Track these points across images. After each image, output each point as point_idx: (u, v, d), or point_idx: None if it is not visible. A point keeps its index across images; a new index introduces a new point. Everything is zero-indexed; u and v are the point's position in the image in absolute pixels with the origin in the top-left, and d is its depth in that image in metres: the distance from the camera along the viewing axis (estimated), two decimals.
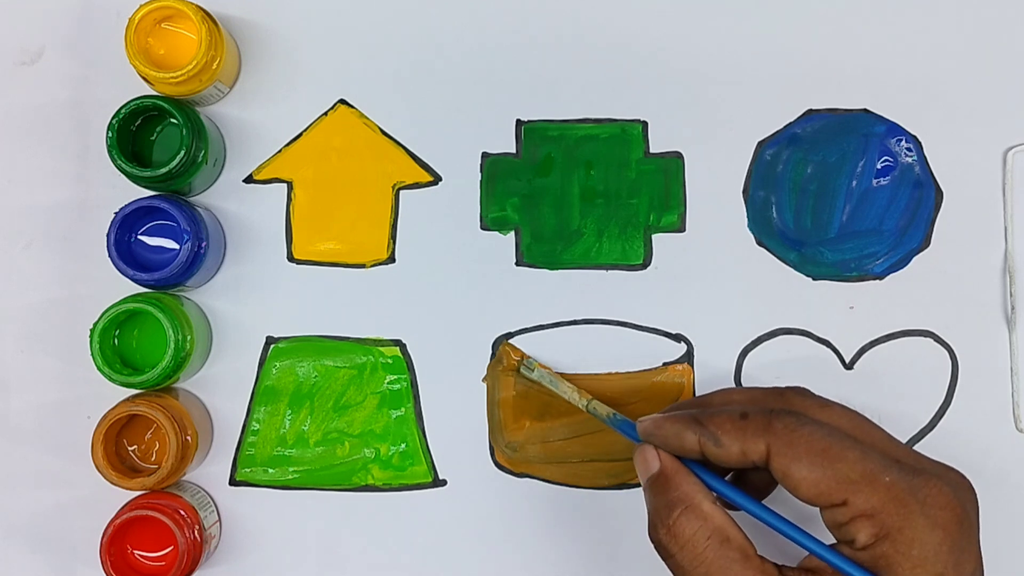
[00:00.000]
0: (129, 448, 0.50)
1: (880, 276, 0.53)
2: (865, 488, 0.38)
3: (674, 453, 0.43)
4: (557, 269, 0.53)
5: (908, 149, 0.53)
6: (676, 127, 0.53)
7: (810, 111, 0.54)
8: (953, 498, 0.39)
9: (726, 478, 0.44)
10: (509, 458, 0.53)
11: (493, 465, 0.53)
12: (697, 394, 0.52)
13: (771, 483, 0.46)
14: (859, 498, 0.38)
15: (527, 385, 0.53)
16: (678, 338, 0.53)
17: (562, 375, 0.52)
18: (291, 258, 0.53)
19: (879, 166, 0.53)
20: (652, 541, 0.42)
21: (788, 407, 0.42)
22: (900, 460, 0.40)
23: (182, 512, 0.48)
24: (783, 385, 0.45)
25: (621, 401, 0.52)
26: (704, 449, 0.41)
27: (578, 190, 0.53)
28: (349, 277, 0.53)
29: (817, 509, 0.40)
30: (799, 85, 0.53)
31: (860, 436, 0.40)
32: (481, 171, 0.53)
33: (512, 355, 0.52)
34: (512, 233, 0.53)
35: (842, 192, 0.53)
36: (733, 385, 0.53)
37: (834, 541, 0.40)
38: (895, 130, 0.53)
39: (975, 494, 0.41)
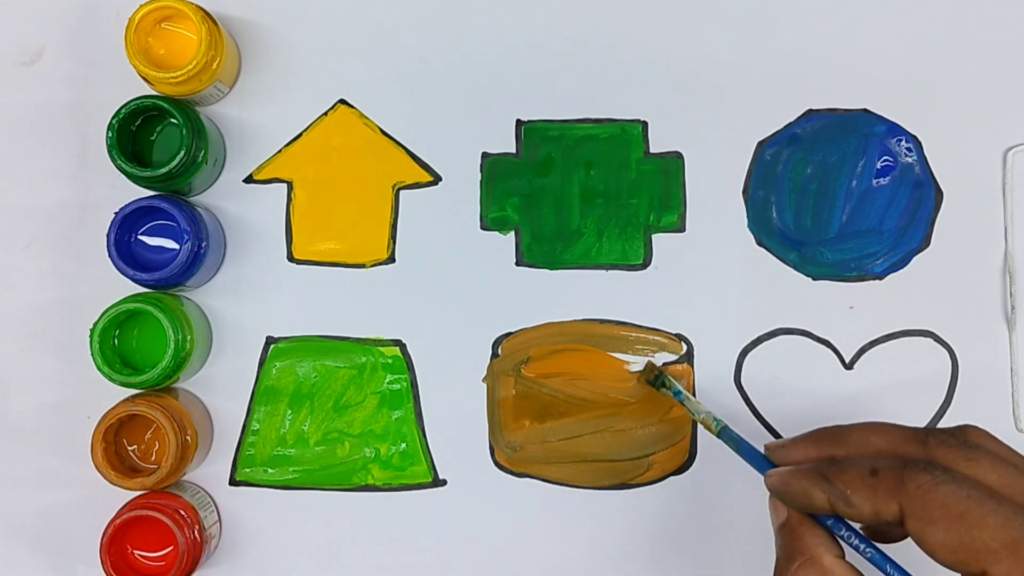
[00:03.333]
0: (129, 448, 0.50)
1: (880, 276, 0.53)
2: (1007, 559, 0.34)
3: (805, 511, 0.40)
4: (557, 269, 0.53)
5: (908, 149, 0.53)
6: (676, 127, 0.53)
7: (810, 111, 0.54)
8: None
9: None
10: (509, 458, 0.53)
11: (493, 465, 0.53)
12: (697, 394, 0.52)
13: None
14: (999, 568, 0.34)
15: (527, 385, 0.53)
16: (678, 338, 0.53)
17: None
18: (291, 258, 0.53)
19: (879, 166, 0.53)
20: None
21: (928, 457, 0.38)
22: None
23: (182, 512, 0.48)
24: (921, 426, 0.41)
25: (621, 401, 0.52)
26: (835, 508, 0.38)
27: (578, 190, 0.53)
28: (349, 277, 0.53)
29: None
30: (799, 85, 0.53)
31: (1010, 493, 0.36)
32: (481, 171, 0.53)
33: (652, 369, 0.52)
34: (512, 233, 0.53)
35: (842, 192, 0.53)
36: (733, 386, 0.53)
37: None
38: (895, 130, 0.53)
39: None
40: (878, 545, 0.39)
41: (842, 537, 0.40)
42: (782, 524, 0.40)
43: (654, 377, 0.51)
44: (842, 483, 0.38)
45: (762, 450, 0.43)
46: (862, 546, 0.39)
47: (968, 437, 0.39)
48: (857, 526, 0.40)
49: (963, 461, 0.37)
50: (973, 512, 0.35)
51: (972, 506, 0.35)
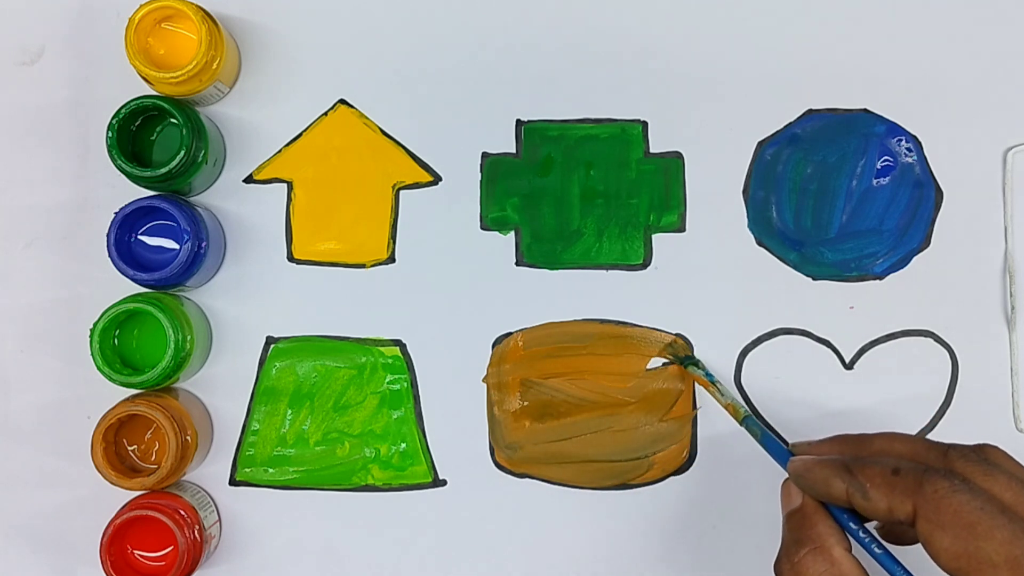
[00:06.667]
0: (129, 448, 0.50)
1: (880, 276, 0.53)
2: (1006, 573, 0.36)
3: (821, 499, 0.41)
4: (557, 269, 0.53)
5: (908, 149, 0.53)
6: (676, 127, 0.53)
7: (810, 111, 0.54)
8: None
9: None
10: (509, 458, 0.53)
11: (493, 465, 0.53)
12: (696, 395, 0.52)
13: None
14: None
15: (528, 385, 0.53)
16: (678, 338, 0.53)
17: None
18: (291, 258, 0.53)
19: (879, 166, 0.53)
20: (775, 573, 0.41)
21: (948, 467, 0.39)
22: None
23: (182, 512, 0.48)
24: (943, 441, 0.42)
25: (621, 401, 0.52)
26: (851, 500, 0.40)
27: (578, 190, 0.53)
28: (349, 277, 0.53)
29: None
30: (799, 85, 0.53)
31: (1023, 512, 0.37)
32: (481, 171, 0.53)
33: (683, 347, 0.52)
34: (512, 233, 0.53)
35: (842, 192, 0.53)
36: (733, 386, 0.53)
37: None
38: (895, 130, 0.53)
39: None
40: (887, 546, 0.40)
41: (852, 532, 0.40)
42: (794, 510, 0.42)
43: (685, 356, 0.51)
44: (863, 476, 0.39)
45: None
46: (872, 544, 0.40)
47: (987, 454, 0.40)
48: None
49: (981, 475, 0.39)
50: (983, 524, 0.36)
51: (983, 518, 0.36)
